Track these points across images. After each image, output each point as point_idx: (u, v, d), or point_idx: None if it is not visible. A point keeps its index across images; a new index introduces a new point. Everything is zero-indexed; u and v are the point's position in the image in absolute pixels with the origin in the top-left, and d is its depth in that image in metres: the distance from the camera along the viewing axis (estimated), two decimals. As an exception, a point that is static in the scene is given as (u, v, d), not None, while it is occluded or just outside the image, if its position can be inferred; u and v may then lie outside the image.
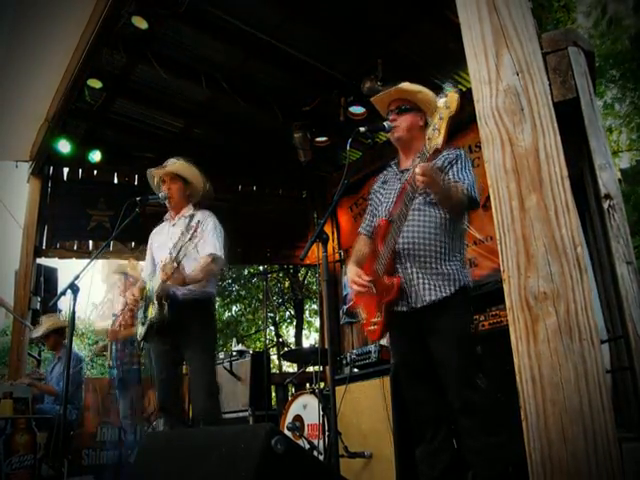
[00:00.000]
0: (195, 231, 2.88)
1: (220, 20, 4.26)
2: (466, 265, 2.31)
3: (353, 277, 2.27)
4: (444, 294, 2.12)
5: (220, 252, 3.03)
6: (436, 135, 1.87)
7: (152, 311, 2.93)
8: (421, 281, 2.15)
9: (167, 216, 3.34)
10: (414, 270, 2.17)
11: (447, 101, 1.85)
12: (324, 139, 5.62)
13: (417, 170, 1.93)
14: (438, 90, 2.02)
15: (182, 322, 2.94)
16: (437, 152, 2.01)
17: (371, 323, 2.27)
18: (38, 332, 4.60)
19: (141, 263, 4.24)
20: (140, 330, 3.07)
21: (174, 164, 3.24)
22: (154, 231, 3.38)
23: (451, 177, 2.18)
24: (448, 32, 4.16)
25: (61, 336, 4.62)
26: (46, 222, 5.53)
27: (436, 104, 1.94)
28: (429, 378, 2.19)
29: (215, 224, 3.13)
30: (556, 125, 1.48)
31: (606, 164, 1.65)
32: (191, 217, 3.15)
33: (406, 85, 2.36)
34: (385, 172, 2.53)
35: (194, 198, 3.34)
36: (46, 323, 4.59)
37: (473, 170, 2.24)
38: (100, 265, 5.35)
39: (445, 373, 2.11)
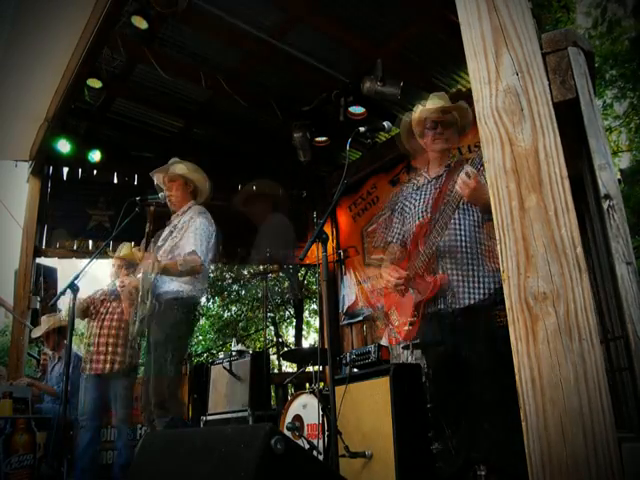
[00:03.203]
0: (182, 229, 2.92)
1: (220, 20, 4.26)
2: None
3: (389, 272, 2.33)
4: (480, 296, 2.18)
5: (200, 251, 2.96)
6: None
7: (145, 307, 2.96)
8: (460, 283, 2.21)
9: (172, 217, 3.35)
10: (454, 271, 2.23)
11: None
12: (324, 139, 5.62)
13: (462, 179, 2.01)
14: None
15: (159, 320, 2.94)
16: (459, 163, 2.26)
17: (407, 323, 2.31)
18: (38, 332, 4.61)
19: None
20: (133, 328, 3.08)
21: (178, 166, 3.25)
22: (158, 233, 3.39)
23: None
24: (448, 32, 4.16)
25: (61, 336, 4.62)
26: (46, 222, 5.53)
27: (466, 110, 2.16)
28: (457, 376, 2.23)
29: (202, 223, 3.08)
30: (556, 125, 1.48)
31: (606, 164, 1.64)
32: (183, 215, 3.17)
33: (443, 100, 2.49)
34: (414, 181, 2.59)
35: (200, 198, 3.33)
36: (46, 323, 4.59)
37: None
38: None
39: (476, 369, 2.14)
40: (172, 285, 2.99)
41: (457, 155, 2.14)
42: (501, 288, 2.17)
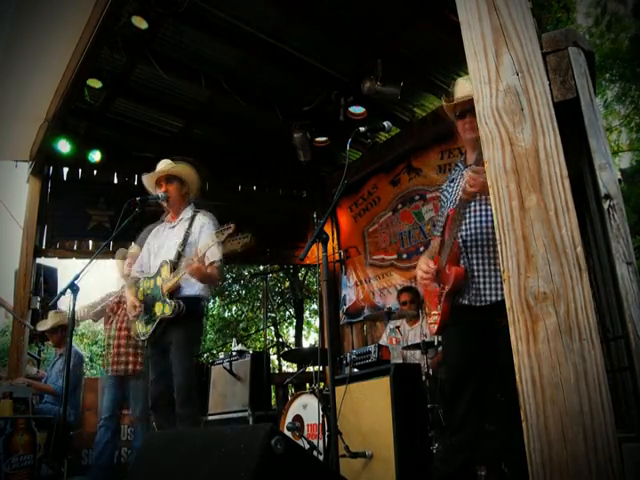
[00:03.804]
0: (196, 234, 2.96)
1: (220, 20, 4.26)
2: None
3: (420, 265, 2.29)
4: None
5: (221, 261, 3.07)
6: None
7: (162, 308, 2.98)
8: (484, 279, 2.12)
9: (164, 217, 3.36)
10: (479, 266, 2.14)
11: None
12: (324, 139, 5.62)
13: (467, 180, 1.96)
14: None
15: (183, 322, 2.98)
16: None
17: (432, 316, 2.24)
18: (45, 325, 4.62)
19: None
20: (142, 329, 3.07)
21: (169, 165, 3.26)
22: (150, 230, 3.40)
23: None
24: (448, 32, 4.16)
25: (66, 333, 4.63)
26: (46, 222, 5.53)
27: None
28: (472, 374, 2.17)
29: (214, 229, 3.16)
30: (556, 125, 1.48)
31: (606, 164, 1.64)
32: (192, 220, 3.18)
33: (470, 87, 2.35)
34: (453, 171, 2.53)
35: (192, 196, 3.36)
36: (53, 318, 4.61)
37: None
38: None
39: (503, 371, 2.03)
40: (194, 290, 3.07)
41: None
42: None
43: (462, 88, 2.33)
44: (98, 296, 4.41)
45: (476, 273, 2.14)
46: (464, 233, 2.17)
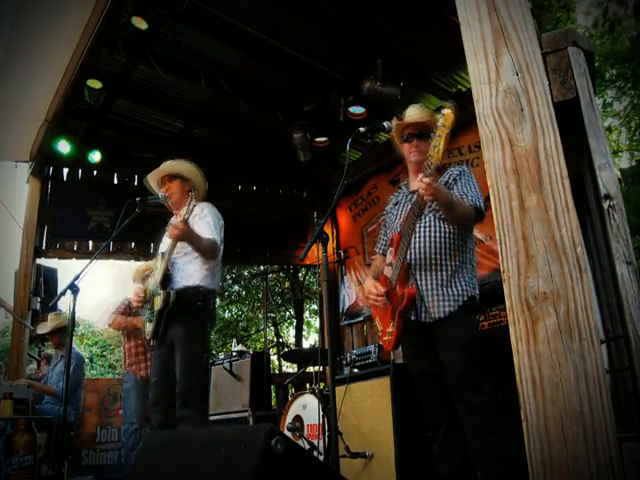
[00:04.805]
0: (193, 224, 2.92)
1: (220, 20, 4.26)
2: (476, 275, 2.42)
3: (369, 288, 2.39)
4: (451, 309, 2.23)
5: (219, 239, 3.00)
6: (436, 152, 2.00)
7: (158, 302, 2.94)
8: (430, 298, 2.26)
9: (169, 219, 3.35)
10: (425, 282, 2.28)
11: (444, 119, 1.98)
12: (324, 139, 5.61)
13: (421, 181, 2.03)
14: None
15: (182, 316, 2.92)
16: (442, 169, 2.29)
17: (386, 333, 2.37)
18: (45, 329, 4.63)
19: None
20: (148, 328, 3.06)
21: (168, 164, 3.25)
22: (159, 237, 3.39)
23: (456, 192, 2.29)
24: (448, 32, 4.16)
25: (65, 335, 4.65)
26: (46, 222, 5.53)
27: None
28: (439, 379, 2.28)
29: (213, 214, 3.11)
30: (556, 125, 1.48)
31: (606, 164, 1.64)
32: (190, 212, 3.16)
33: (426, 112, 2.48)
34: (396, 194, 2.65)
35: (199, 195, 3.33)
36: (53, 321, 4.62)
37: (477, 183, 2.37)
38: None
39: (450, 377, 2.21)
40: (192, 280, 2.97)
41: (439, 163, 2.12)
42: (471, 298, 2.27)
43: (411, 112, 2.46)
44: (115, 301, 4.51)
45: (424, 292, 2.27)
46: (411, 256, 2.30)
